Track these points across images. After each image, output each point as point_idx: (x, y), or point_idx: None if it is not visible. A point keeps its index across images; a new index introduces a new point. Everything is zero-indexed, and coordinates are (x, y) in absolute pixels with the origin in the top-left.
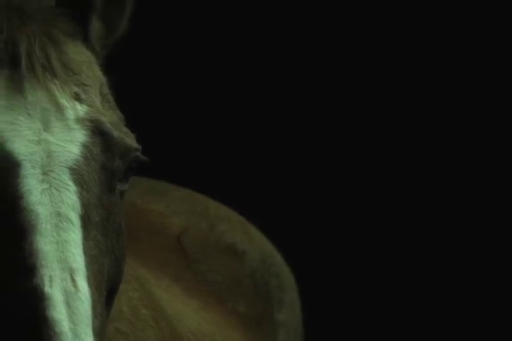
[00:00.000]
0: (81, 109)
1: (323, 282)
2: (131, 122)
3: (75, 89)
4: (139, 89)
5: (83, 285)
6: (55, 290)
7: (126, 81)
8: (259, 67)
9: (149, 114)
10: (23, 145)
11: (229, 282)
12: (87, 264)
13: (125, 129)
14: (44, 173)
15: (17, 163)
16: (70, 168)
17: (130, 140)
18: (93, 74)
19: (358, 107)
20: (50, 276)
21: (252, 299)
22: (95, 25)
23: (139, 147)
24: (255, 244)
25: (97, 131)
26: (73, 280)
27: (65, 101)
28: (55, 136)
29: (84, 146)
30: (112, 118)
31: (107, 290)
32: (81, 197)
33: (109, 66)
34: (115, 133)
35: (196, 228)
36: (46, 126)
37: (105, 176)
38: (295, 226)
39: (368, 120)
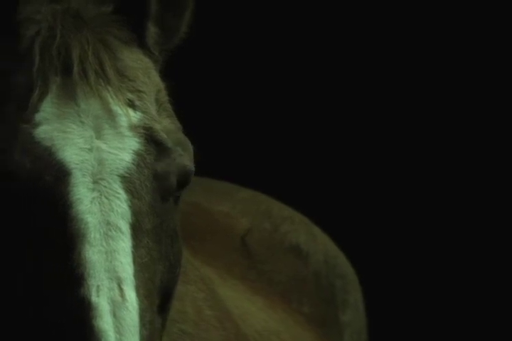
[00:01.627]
0: (134, 116)
1: (386, 283)
2: (190, 124)
3: (129, 95)
4: (196, 92)
5: (131, 294)
6: (102, 300)
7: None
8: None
9: (206, 115)
10: (74, 154)
11: (293, 282)
12: (137, 273)
13: (182, 138)
14: (95, 182)
15: (68, 171)
16: (122, 176)
17: (184, 159)
18: (149, 80)
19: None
20: (98, 286)
21: (316, 300)
22: (152, 31)
23: (192, 152)
24: (319, 244)
25: (151, 138)
26: (121, 290)
27: (118, 108)
28: (108, 143)
29: (137, 154)
30: (167, 126)
31: (160, 297)
32: (132, 206)
33: (169, 71)
34: (169, 142)
35: (260, 228)
36: (98, 134)
37: (158, 184)
38: (359, 227)
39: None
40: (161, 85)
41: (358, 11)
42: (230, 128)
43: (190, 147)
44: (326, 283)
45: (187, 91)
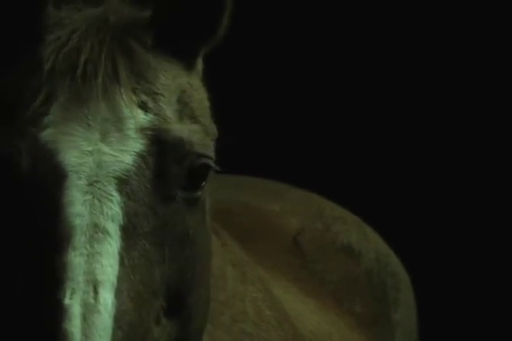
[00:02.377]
0: (144, 118)
1: (437, 282)
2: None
3: (144, 97)
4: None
5: (106, 297)
6: (74, 302)
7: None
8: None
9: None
10: (73, 156)
11: (345, 282)
12: (123, 275)
13: (201, 138)
14: (89, 184)
15: (65, 174)
16: (118, 178)
17: (195, 147)
18: (172, 82)
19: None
20: (73, 289)
21: (368, 299)
22: (184, 35)
23: (205, 153)
24: (370, 243)
25: (157, 139)
26: (95, 293)
27: (128, 110)
28: (111, 146)
29: (139, 155)
30: (183, 127)
31: (167, 299)
32: (125, 208)
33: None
34: (181, 144)
35: (312, 228)
36: (103, 136)
37: (161, 185)
38: (410, 226)
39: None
40: (187, 87)
41: (359, 10)
42: (272, 127)
43: (210, 147)
44: (377, 281)
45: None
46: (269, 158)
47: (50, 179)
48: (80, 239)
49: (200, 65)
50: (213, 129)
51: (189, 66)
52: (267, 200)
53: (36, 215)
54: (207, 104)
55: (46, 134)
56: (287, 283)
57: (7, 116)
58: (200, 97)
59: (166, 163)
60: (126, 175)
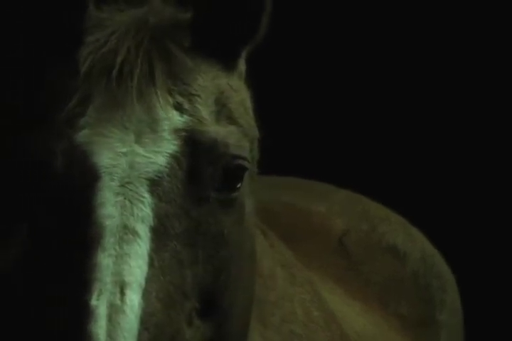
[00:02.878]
0: (179, 119)
1: (483, 282)
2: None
3: (180, 99)
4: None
5: (133, 298)
6: (100, 303)
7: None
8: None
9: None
10: (107, 158)
11: (391, 283)
12: (152, 276)
13: (237, 140)
14: (121, 185)
15: (98, 175)
16: (150, 180)
17: (230, 148)
18: (210, 83)
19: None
20: (100, 290)
21: (414, 300)
22: (224, 36)
23: (241, 155)
24: (416, 244)
25: (190, 140)
26: (122, 294)
27: (163, 112)
28: (145, 147)
29: (172, 157)
30: (219, 128)
31: (199, 301)
32: (156, 209)
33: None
34: (209, 142)
35: (357, 229)
36: (138, 138)
37: (194, 186)
38: (455, 227)
39: None
40: (226, 89)
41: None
42: (308, 128)
43: (246, 149)
44: (423, 282)
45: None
46: (308, 158)
47: (84, 180)
48: (109, 240)
49: (242, 65)
50: (254, 130)
51: (229, 67)
52: (312, 201)
53: (69, 216)
54: (248, 105)
55: (81, 136)
56: (333, 285)
57: (44, 117)
58: (240, 98)
59: (200, 165)
60: (159, 177)
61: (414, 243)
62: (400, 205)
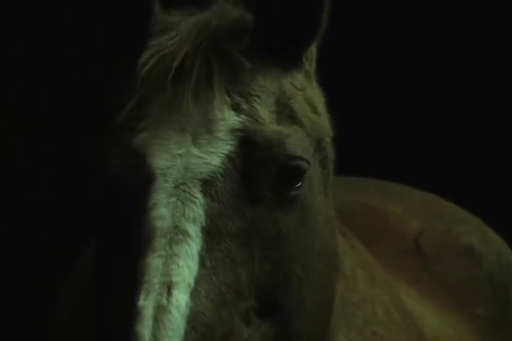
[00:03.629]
0: (236, 120)
1: None
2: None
3: (238, 99)
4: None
5: (179, 298)
6: (147, 304)
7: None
8: None
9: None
10: (163, 159)
11: (466, 284)
12: (203, 276)
13: (297, 140)
14: (175, 187)
15: (153, 177)
16: (204, 180)
17: (287, 148)
18: (270, 83)
19: None
20: (148, 291)
21: (491, 301)
22: (285, 36)
23: (300, 155)
24: (492, 245)
25: (246, 140)
26: (169, 294)
27: (220, 113)
28: (201, 148)
29: (227, 157)
30: (278, 128)
31: (258, 300)
32: (208, 209)
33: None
34: (265, 142)
35: (433, 230)
36: (195, 139)
37: (249, 186)
38: None
39: None
40: (292, 87)
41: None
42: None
43: (307, 149)
44: (499, 283)
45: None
46: (376, 158)
47: (139, 182)
48: (160, 241)
49: (308, 63)
50: (322, 129)
51: (293, 66)
52: (387, 202)
53: (125, 218)
54: (316, 103)
55: (139, 138)
56: (408, 286)
57: (103, 120)
58: (305, 97)
59: (255, 165)
60: (212, 177)
61: (489, 244)
62: (473, 206)
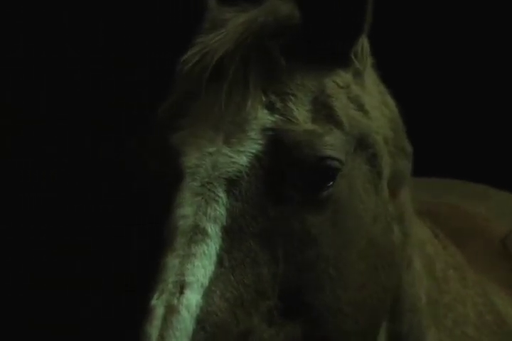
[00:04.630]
0: (269, 119)
1: None
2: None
3: (273, 98)
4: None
5: (190, 297)
6: (158, 303)
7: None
8: None
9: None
10: (194, 158)
11: None
12: (220, 276)
13: (330, 140)
14: (201, 185)
15: (182, 175)
16: (229, 179)
17: (318, 149)
18: (309, 82)
19: None
20: (161, 290)
21: None
22: (329, 33)
23: (331, 155)
24: None
25: (276, 140)
26: (181, 293)
27: (253, 111)
28: (231, 147)
29: (255, 156)
30: (312, 127)
31: (283, 299)
32: (231, 209)
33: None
34: (294, 142)
35: None
36: (227, 138)
37: (275, 186)
38: None
39: None
40: (334, 85)
41: None
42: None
43: (341, 149)
44: None
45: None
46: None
47: (171, 181)
48: (180, 240)
49: (358, 61)
50: (368, 127)
51: (338, 64)
52: (473, 203)
53: (155, 216)
54: (364, 101)
55: (176, 136)
56: (497, 287)
57: (144, 118)
58: (349, 95)
59: (283, 165)
60: (238, 176)
61: None
62: None
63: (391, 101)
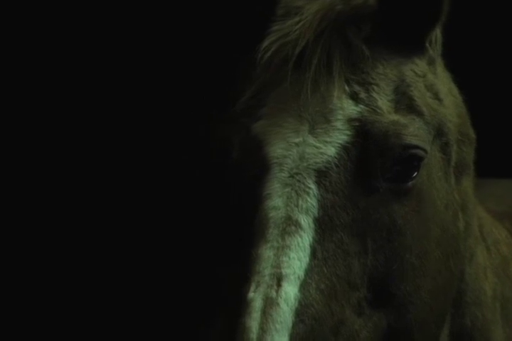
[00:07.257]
0: (354, 109)
1: None
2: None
3: (357, 88)
4: None
5: (288, 290)
6: (256, 296)
7: None
8: None
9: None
10: (279, 148)
11: None
12: (314, 267)
13: (414, 130)
14: (290, 176)
15: (268, 166)
16: (318, 171)
17: (403, 138)
18: (390, 71)
19: None
20: (258, 282)
21: None
22: (406, 22)
23: (416, 145)
24: None
25: (362, 131)
26: (279, 286)
27: (338, 101)
28: (317, 137)
29: (343, 147)
30: (396, 118)
31: (371, 290)
32: (322, 200)
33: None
34: (381, 133)
35: None
36: (312, 128)
37: (363, 176)
38: None
39: None
40: (412, 74)
41: None
42: None
43: (425, 138)
44: None
45: None
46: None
47: (255, 170)
48: (272, 232)
49: (431, 49)
50: (444, 115)
51: (415, 53)
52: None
53: (239, 206)
54: (438, 89)
55: (258, 126)
56: None
57: (224, 106)
58: (426, 84)
59: (370, 155)
60: (327, 167)
61: None
62: None
63: (455, 88)
